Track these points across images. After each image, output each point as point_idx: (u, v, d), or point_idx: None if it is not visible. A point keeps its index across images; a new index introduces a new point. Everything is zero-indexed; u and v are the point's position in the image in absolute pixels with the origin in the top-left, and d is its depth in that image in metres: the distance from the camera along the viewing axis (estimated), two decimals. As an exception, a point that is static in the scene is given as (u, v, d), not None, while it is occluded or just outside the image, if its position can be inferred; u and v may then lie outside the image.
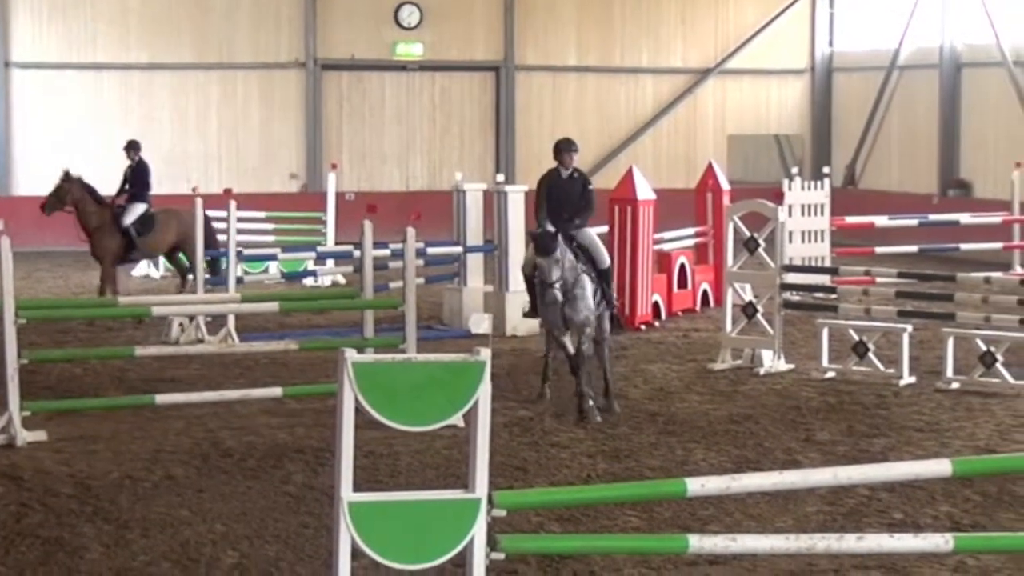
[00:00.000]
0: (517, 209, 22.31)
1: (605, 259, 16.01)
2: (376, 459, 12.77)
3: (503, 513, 8.33)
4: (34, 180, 31.88)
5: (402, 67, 37.65)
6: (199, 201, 22.39)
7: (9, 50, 34.79)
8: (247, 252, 23.73)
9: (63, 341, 20.59)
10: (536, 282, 14.97)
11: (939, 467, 10.02)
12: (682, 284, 23.90)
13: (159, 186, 26.13)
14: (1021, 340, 17.62)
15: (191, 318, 20.56)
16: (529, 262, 15.57)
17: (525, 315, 16.92)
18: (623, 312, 21.75)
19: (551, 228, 14.89)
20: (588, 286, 15.03)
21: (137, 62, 35.88)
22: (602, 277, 15.72)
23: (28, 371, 15.58)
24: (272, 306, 18.37)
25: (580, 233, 15.80)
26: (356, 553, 8.01)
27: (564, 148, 15.69)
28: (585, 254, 15.53)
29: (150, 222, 22.80)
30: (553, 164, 15.76)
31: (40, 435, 15.07)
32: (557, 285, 14.66)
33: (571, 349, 15.27)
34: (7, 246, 14.24)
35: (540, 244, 14.67)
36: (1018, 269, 26.63)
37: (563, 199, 15.46)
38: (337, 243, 26.15)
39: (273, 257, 25.02)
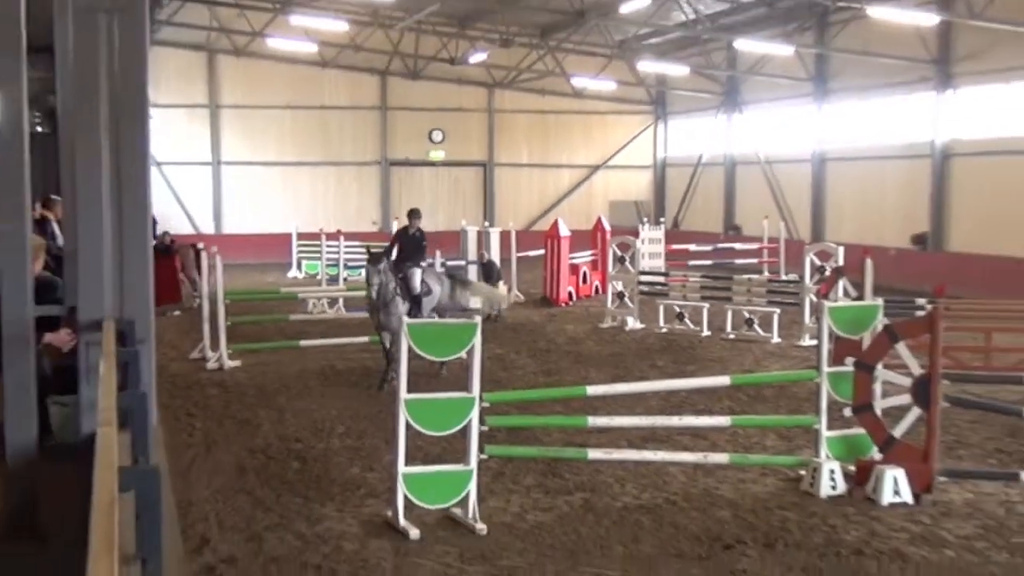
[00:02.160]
0: (495, 241, 28.83)
1: (416, 287, 17.93)
2: (419, 376, 13.53)
3: (488, 404, 10.44)
4: (235, 226, 47.33)
5: (432, 164, 50.58)
6: (323, 237, 32.60)
7: (220, 154, 46.43)
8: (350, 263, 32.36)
9: (250, 312, 23.81)
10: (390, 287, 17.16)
11: (723, 380, 13.98)
12: (584, 282, 30.64)
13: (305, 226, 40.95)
14: (766, 312, 23.25)
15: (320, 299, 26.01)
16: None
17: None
18: (557, 297, 28.77)
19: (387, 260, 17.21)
20: (400, 305, 16.93)
21: (290, 160, 49.02)
22: (415, 301, 17.71)
23: (231, 329, 19.85)
24: (361, 293, 21.72)
25: (409, 271, 18.02)
26: (408, 426, 9.99)
27: (413, 215, 18.83)
28: (404, 284, 17.56)
29: None
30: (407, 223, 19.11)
31: (237, 363, 19.46)
32: (375, 287, 16.68)
33: (386, 344, 16.94)
34: (219, 261, 20.15)
35: (372, 257, 16.91)
36: (766, 274, 32.08)
37: (407, 248, 18.19)
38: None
39: (363, 266, 34.08)
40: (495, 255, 28.98)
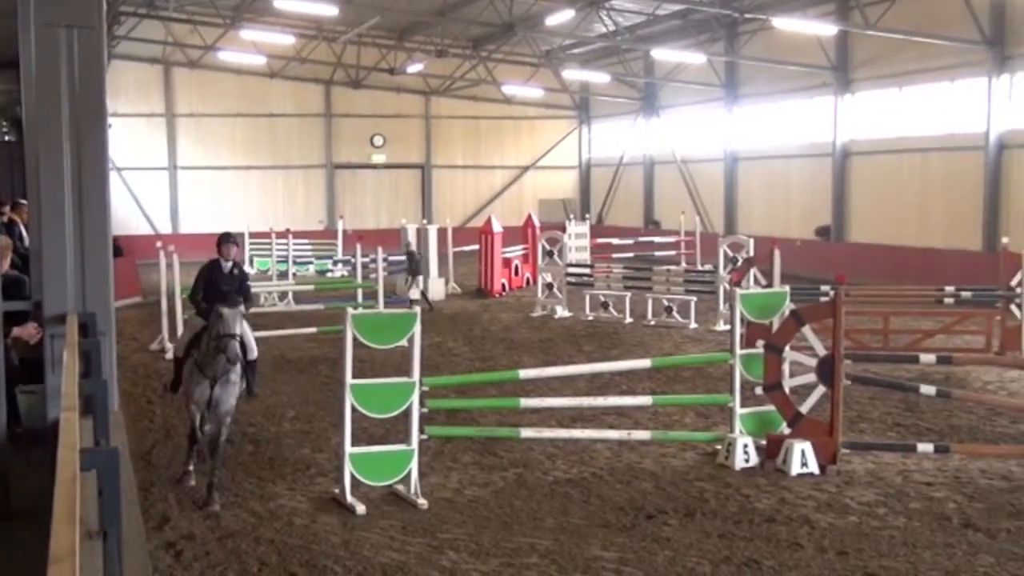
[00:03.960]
0: (433, 238, 28.63)
1: (255, 350, 11.46)
2: (364, 363, 13.22)
3: (427, 388, 10.43)
4: (190, 226, 45.90)
5: (374, 167, 50.56)
6: (273, 236, 32.29)
7: (176, 159, 46.31)
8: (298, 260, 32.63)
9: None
10: (207, 343, 10.38)
11: (644, 363, 14.26)
12: (516, 274, 30.70)
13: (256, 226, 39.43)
14: (685, 300, 23.39)
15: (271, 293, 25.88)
16: (188, 335, 11.20)
17: (169, 389, 12.23)
18: (491, 289, 28.85)
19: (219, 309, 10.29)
20: (238, 376, 10.64)
21: (241, 164, 48.56)
22: (250, 367, 11.20)
23: (188, 322, 18.15)
24: (310, 287, 23.93)
25: (224, 319, 10.67)
26: (353, 409, 10.05)
27: (224, 240, 11.50)
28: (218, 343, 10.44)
29: None
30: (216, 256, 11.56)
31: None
32: (240, 337, 10.43)
33: (203, 431, 10.96)
34: (176, 259, 19.74)
35: (226, 297, 10.47)
36: (683, 265, 31.00)
37: (225, 291, 10.95)
38: (343, 255, 33.66)
39: (311, 262, 34.21)
40: (432, 251, 28.91)
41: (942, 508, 10.06)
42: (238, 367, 10.50)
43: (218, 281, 11.27)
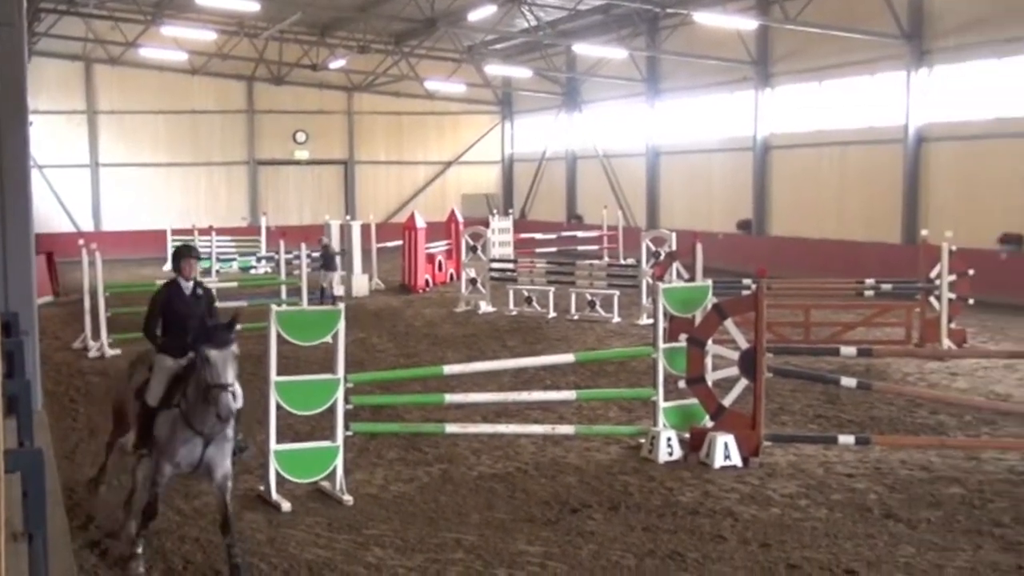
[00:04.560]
0: (356, 234, 28.57)
1: (240, 396, 8.42)
2: (289, 359, 12.31)
3: (352, 385, 10.36)
4: (113, 224, 46.12)
5: (297, 163, 50.28)
6: (196, 233, 32.44)
7: (98, 156, 45.75)
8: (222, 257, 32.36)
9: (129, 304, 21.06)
10: (194, 393, 8.23)
11: (568, 357, 14.18)
12: (440, 269, 30.71)
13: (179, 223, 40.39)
14: (608, 294, 23.45)
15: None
16: (164, 378, 8.71)
17: (133, 448, 9.12)
18: (415, 284, 28.76)
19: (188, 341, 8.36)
20: (233, 431, 8.60)
21: (163, 162, 48.08)
22: (237, 419, 8.63)
23: (111, 319, 19.45)
24: (233, 284, 24.05)
25: (210, 359, 8.18)
26: (279, 406, 10.02)
27: (183, 255, 9.27)
28: (202, 393, 8.25)
29: None
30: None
31: (117, 351, 19.14)
32: (234, 387, 8.09)
33: (151, 499, 8.56)
34: (99, 257, 19.50)
35: (213, 335, 8.12)
36: (606, 259, 31.59)
37: (187, 319, 8.74)
38: (266, 252, 33.93)
39: (234, 258, 33.95)
40: (356, 247, 28.76)
41: (863, 499, 10.17)
42: (232, 423, 8.48)
43: (180, 308, 8.96)
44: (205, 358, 8.02)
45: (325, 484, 10.39)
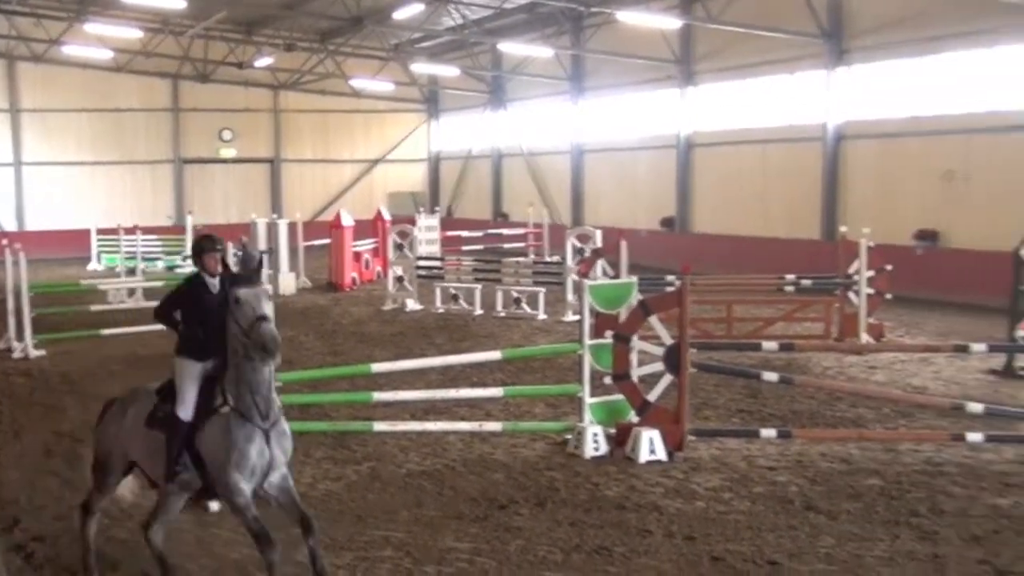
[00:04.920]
0: (283, 232, 28.40)
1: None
2: None
3: (280, 384, 8.95)
4: (37, 223, 45.52)
5: (223, 161, 49.68)
6: (121, 232, 31.73)
7: (22, 155, 45.16)
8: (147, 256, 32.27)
9: (53, 304, 22.44)
10: (240, 353, 7.33)
11: (495, 355, 13.91)
12: (367, 267, 30.48)
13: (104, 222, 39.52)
14: (533, 291, 23.55)
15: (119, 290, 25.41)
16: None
17: (175, 479, 7.77)
18: (342, 283, 28.48)
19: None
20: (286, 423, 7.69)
21: (88, 160, 47.46)
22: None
23: (35, 320, 19.34)
24: (159, 283, 23.20)
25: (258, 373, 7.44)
26: None
27: (207, 248, 7.97)
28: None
29: None
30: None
31: (42, 352, 19.11)
32: (272, 322, 7.26)
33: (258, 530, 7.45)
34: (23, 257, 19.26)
35: (238, 279, 7.41)
36: (532, 257, 32.36)
37: (214, 320, 7.56)
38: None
39: (160, 258, 34.18)
40: (283, 246, 28.46)
41: (785, 491, 10.30)
42: (281, 413, 7.62)
43: (206, 307, 7.77)
44: (236, 299, 7.24)
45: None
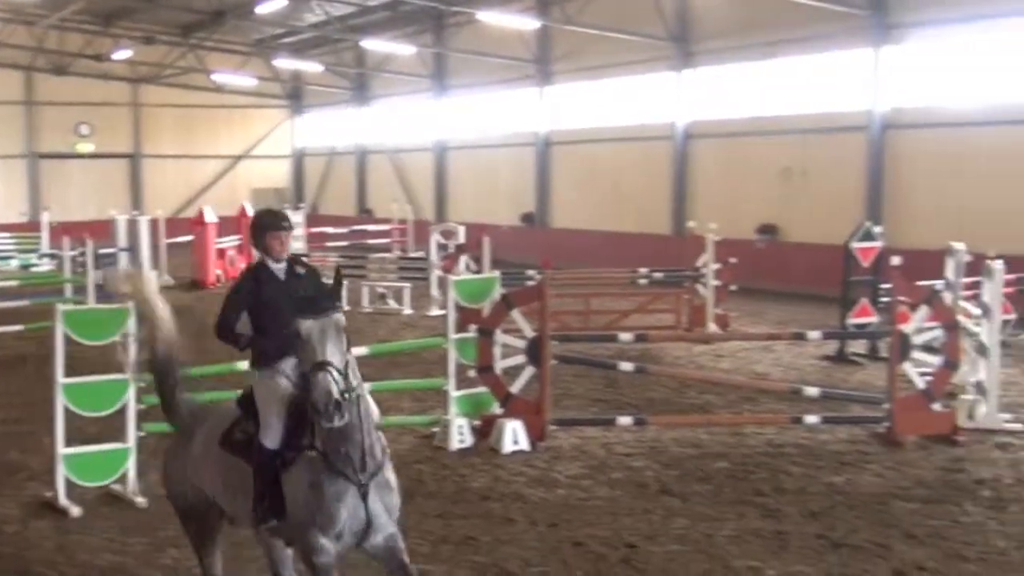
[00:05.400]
0: (144, 229, 26.98)
1: (375, 409, 6.37)
2: (76, 360, 10.67)
3: (144, 384, 9.87)
4: None
5: (80, 156, 48.19)
6: None
7: None
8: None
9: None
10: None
11: (362, 350, 11.75)
12: (232, 264, 29.59)
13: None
14: (398, 287, 23.72)
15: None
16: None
17: (263, 524, 6.33)
18: (206, 280, 27.81)
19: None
20: (391, 469, 6.17)
21: None
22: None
23: None
24: (13, 283, 22.68)
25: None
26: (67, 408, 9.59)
27: (269, 225, 6.75)
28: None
29: None
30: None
31: None
32: (336, 370, 5.67)
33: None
34: None
35: (307, 304, 5.80)
36: (397, 253, 31.72)
37: (286, 313, 5.96)
38: (49, 249, 31.85)
39: (13, 256, 32.64)
40: (144, 243, 27.71)
41: (641, 476, 10.58)
42: (387, 459, 6.08)
43: (273, 298, 6.46)
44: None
45: (117, 487, 9.98)
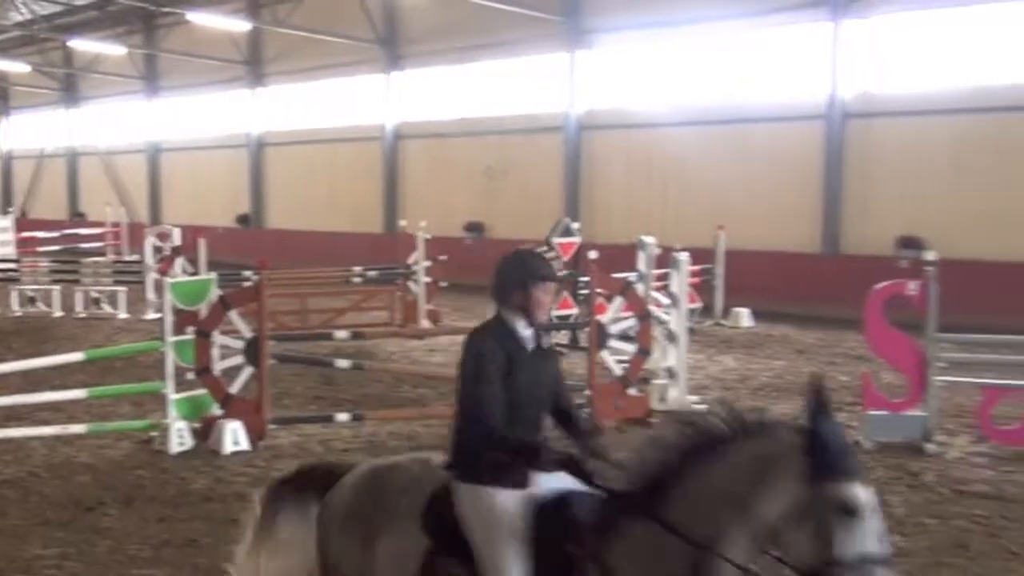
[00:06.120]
0: None
1: None
2: None
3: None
4: None
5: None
6: None
7: None
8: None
9: None
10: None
11: (77, 356, 12.95)
12: None
13: None
14: (113, 291, 22.59)
15: None
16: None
17: None
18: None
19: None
20: None
21: None
22: None
23: None
24: None
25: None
26: None
27: (538, 274, 4.57)
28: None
29: None
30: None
31: None
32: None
33: None
34: None
35: (832, 448, 3.52)
36: (111, 256, 30.09)
37: (534, 388, 4.44)
38: None
39: None
40: None
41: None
42: None
43: (523, 380, 4.43)
44: (843, 505, 3.50)
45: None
